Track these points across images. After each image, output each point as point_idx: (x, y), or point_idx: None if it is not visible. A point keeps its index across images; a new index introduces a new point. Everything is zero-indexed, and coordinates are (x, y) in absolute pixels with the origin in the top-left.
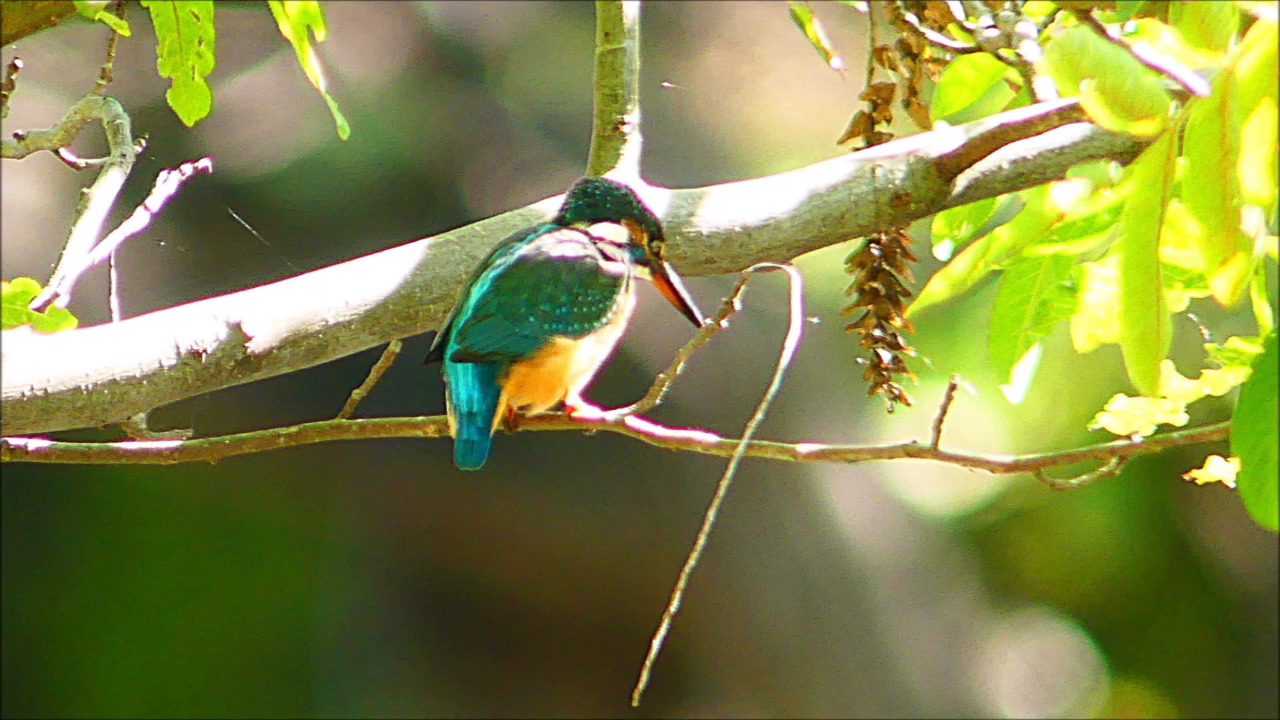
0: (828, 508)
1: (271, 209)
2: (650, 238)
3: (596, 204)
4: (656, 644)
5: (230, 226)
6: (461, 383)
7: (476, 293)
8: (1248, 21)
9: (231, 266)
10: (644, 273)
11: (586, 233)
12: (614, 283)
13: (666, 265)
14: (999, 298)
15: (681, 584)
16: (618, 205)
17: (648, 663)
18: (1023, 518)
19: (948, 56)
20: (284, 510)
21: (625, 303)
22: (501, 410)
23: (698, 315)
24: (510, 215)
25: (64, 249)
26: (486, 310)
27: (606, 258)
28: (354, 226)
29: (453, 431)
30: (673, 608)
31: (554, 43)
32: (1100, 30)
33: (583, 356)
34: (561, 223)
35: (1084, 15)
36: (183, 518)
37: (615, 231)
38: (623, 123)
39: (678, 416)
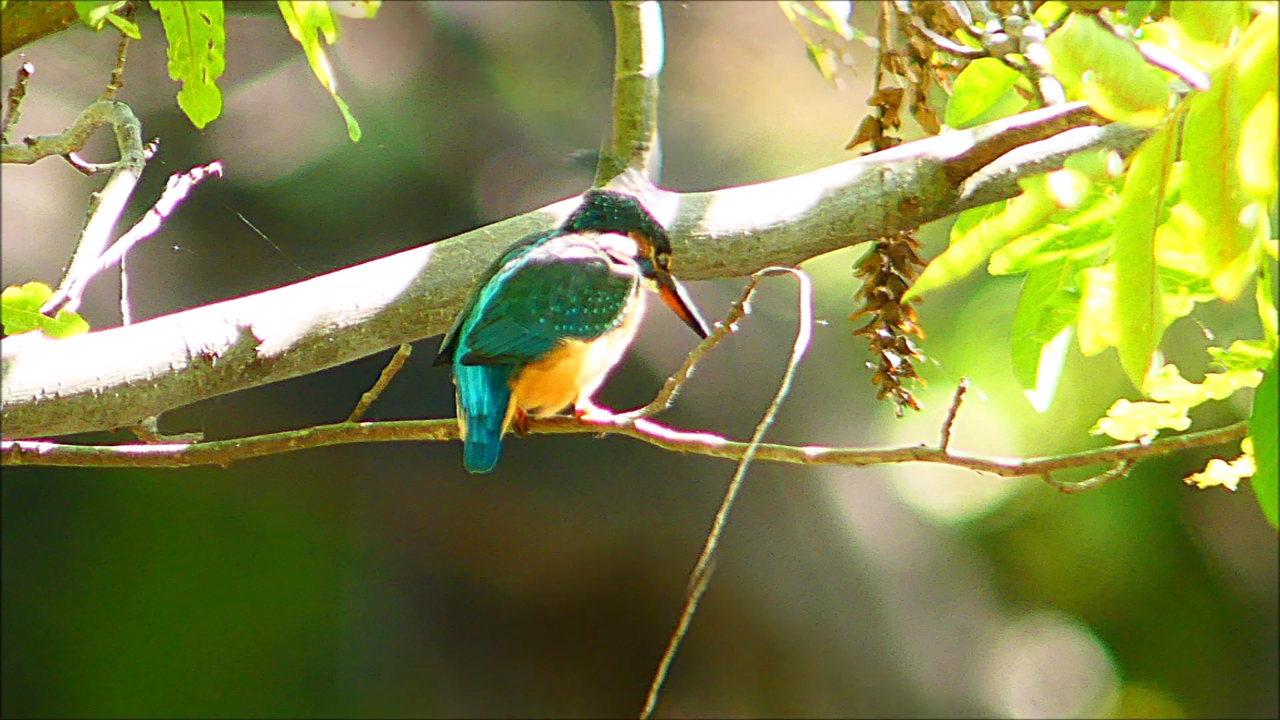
0: (837, 511)
1: (283, 214)
2: (658, 250)
3: (604, 215)
4: (667, 659)
5: (242, 231)
6: (471, 386)
7: (486, 295)
8: (1250, 15)
9: (243, 271)
10: (651, 285)
11: (595, 240)
12: (624, 284)
13: (673, 278)
14: (1021, 304)
15: (694, 597)
16: (625, 217)
17: (661, 666)
18: (1031, 522)
19: (955, 62)
20: (298, 515)
21: (636, 307)
22: (512, 413)
23: (704, 327)
24: (520, 219)
25: (74, 253)
26: (496, 313)
27: (616, 261)
28: (365, 231)
29: (462, 434)
30: (685, 620)
31: (566, 47)
32: (1106, 26)
33: (593, 359)
34: (570, 230)
35: (1093, 16)
36: (196, 522)
37: (623, 243)
38: (642, 149)
39: (687, 420)
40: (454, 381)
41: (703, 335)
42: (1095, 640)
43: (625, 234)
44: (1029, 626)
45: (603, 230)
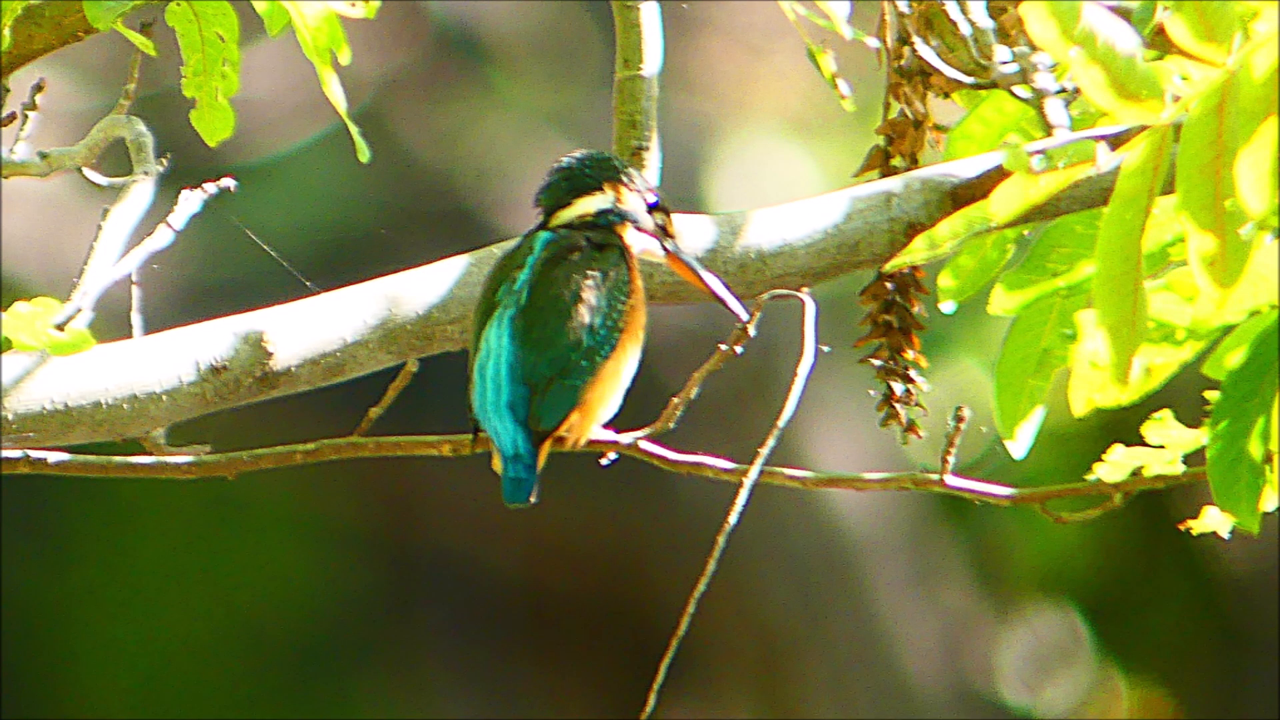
0: (822, 492)
1: (283, 223)
2: (649, 206)
3: (573, 176)
4: (667, 659)
5: (249, 246)
6: (504, 430)
7: (495, 338)
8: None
9: (252, 287)
10: (656, 255)
11: (570, 238)
12: (617, 285)
13: (681, 245)
14: (1006, 348)
15: (695, 597)
16: (598, 170)
17: (661, 666)
18: (1022, 507)
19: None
20: (285, 489)
21: (638, 300)
22: (548, 448)
23: (731, 303)
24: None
25: (85, 264)
26: (539, 374)
27: (599, 247)
28: (363, 233)
29: (496, 468)
30: (685, 620)
31: (566, 47)
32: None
33: (624, 368)
34: (543, 225)
35: None
36: (183, 495)
37: (599, 203)
38: (643, 149)
39: (690, 425)
40: (472, 415)
41: (725, 305)
42: (1080, 619)
43: (600, 188)
44: (1013, 604)
45: (574, 192)
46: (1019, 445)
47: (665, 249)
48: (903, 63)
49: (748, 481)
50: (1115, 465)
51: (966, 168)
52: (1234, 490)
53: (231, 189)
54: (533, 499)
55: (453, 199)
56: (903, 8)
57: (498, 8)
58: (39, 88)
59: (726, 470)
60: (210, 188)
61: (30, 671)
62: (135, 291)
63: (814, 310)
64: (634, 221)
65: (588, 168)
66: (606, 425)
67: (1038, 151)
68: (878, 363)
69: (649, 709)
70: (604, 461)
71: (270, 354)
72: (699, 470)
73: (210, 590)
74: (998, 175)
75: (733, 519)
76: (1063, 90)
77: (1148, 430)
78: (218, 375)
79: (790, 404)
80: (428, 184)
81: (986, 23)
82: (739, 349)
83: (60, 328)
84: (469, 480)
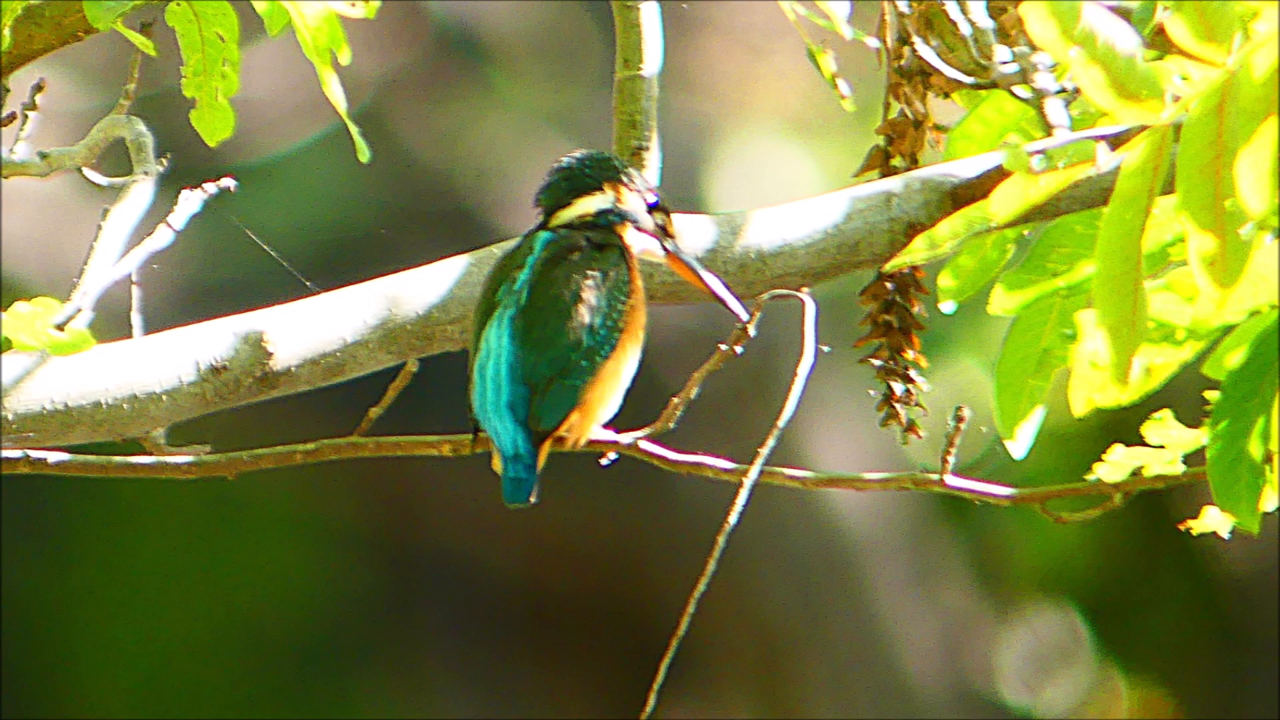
0: (822, 492)
1: (284, 223)
2: (649, 206)
3: (573, 176)
4: (667, 659)
5: (249, 246)
6: (504, 430)
7: (495, 338)
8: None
9: (251, 288)
10: (656, 255)
11: (570, 238)
12: (617, 285)
13: (681, 245)
14: (1006, 347)
15: (695, 597)
16: (598, 170)
17: (661, 666)
18: (1022, 507)
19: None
20: (285, 489)
21: (638, 300)
22: (548, 448)
23: (731, 303)
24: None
25: (85, 264)
26: (539, 374)
27: (599, 247)
28: (364, 233)
29: (496, 468)
30: (685, 620)
31: (566, 47)
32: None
33: (625, 368)
34: (543, 225)
35: None
36: (183, 495)
37: (599, 203)
38: (643, 149)
39: (689, 424)
40: (472, 415)
41: (725, 305)
42: (1080, 619)
43: (600, 188)
44: (1013, 605)
45: (574, 192)
46: (1019, 445)
47: (665, 249)
48: (903, 63)
49: (748, 481)
50: (1115, 465)
51: (966, 168)
52: (1234, 490)
53: (231, 189)
54: (533, 499)
55: (453, 199)
56: (903, 8)
57: (498, 8)
58: (39, 88)
59: (726, 470)
60: (210, 188)
61: (30, 671)
62: (135, 291)
63: (814, 310)
64: (634, 221)
65: (588, 168)
66: (606, 425)
67: (1038, 151)
68: (878, 363)
69: (649, 709)
70: (604, 461)
71: (270, 354)
72: (699, 470)
73: (210, 590)
74: (998, 175)
75: (733, 519)
76: (1063, 90)
77: (1148, 430)
78: (218, 375)
79: (790, 404)
80: (428, 184)
81: (986, 23)
82: (739, 349)
83: (60, 328)
84: (469, 480)
